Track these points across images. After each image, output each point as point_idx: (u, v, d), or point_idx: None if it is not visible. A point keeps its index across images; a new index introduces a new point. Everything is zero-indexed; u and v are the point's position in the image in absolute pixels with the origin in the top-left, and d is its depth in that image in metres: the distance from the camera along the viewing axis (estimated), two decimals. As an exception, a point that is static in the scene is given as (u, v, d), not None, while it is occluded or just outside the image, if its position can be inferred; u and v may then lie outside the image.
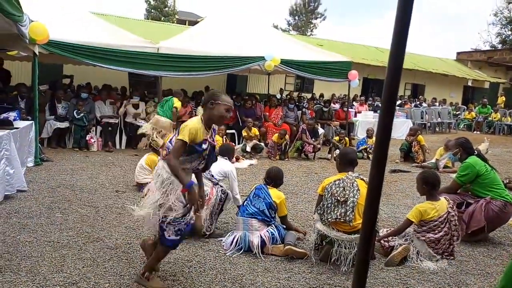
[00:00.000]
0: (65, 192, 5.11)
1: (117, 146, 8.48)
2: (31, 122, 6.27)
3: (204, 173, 3.95)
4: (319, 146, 8.66)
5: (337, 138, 9.09)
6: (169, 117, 7.32)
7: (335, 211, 3.34)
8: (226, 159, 4.40)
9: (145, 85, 11.11)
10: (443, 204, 3.60)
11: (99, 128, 8.33)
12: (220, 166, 4.17)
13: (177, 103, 7.57)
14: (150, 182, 5.11)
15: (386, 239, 3.72)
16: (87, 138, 7.98)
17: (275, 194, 3.80)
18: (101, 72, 9.23)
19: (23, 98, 7.66)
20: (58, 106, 8.04)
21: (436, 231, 3.53)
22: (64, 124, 7.91)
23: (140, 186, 5.38)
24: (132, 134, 8.52)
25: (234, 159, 7.54)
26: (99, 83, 10.18)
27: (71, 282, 2.93)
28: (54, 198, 4.81)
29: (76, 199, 4.87)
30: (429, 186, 3.65)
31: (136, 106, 8.68)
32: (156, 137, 5.64)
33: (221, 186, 4.14)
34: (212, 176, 4.10)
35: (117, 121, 8.50)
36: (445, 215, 3.55)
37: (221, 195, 4.07)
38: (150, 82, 10.86)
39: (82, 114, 7.89)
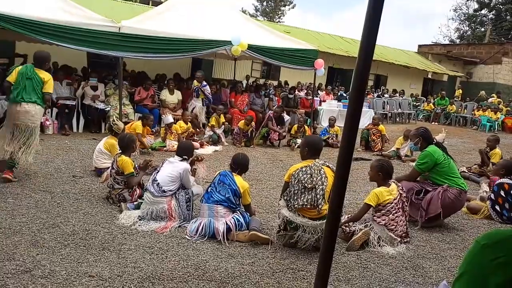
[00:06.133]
0: (18, 176, 4.82)
1: (74, 129, 8.09)
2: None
3: (153, 189, 3.83)
4: (284, 133, 8.66)
5: (295, 127, 8.79)
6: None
7: (302, 198, 3.35)
8: (182, 159, 4.05)
9: (105, 66, 10.63)
10: (394, 188, 3.82)
11: (55, 110, 7.90)
12: (168, 171, 3.94)
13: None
14: (109, 167, 4.98)
15: (347, 224, 3.81)
16: (42, 120, 7.54)
17: (240, 182, 3.75)
18: (58, 51, 8.73)
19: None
20: (11, 86, 7.54)
21: (393, 212, 3.72)
22: (17, 105, 7.44)
23: (98, 171, 5.17)
24: (91, 117, 8.16)
25: (198, 144, 7.43)
26: (55, 62, 9.62)
27: (24, 270, 2.77)
28: (5, 183, 4.52)
29: (30, 184, 4.62)
30: (384, 173, 3.84)
31: (94, 88, 8.30)
32: (117, 120, 5.40)
33: (180, 192, 3.94)
34: (164, 191, 3.85)
35: (74, 103, 8.09)
36: (398, 197, 3.77)
37: (185, 198, 3.91)
38: (111, 63, 10.39)
39: (37, 95, 7.43)
